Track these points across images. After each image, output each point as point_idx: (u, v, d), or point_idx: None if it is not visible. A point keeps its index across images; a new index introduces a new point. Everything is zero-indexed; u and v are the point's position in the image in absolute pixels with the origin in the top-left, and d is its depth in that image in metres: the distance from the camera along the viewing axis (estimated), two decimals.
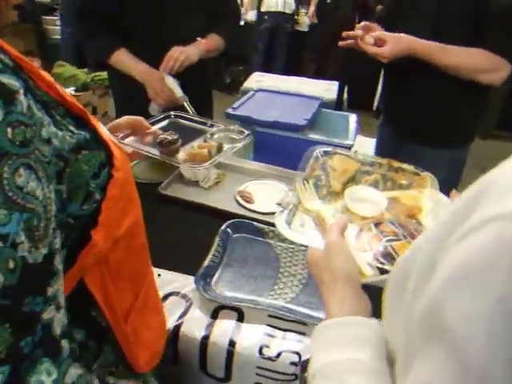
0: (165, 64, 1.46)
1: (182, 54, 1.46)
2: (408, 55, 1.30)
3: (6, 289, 0.38)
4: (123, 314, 0.60)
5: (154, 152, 1.24)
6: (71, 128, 0.48)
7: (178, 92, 1.49)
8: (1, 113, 0.38)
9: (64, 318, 0.46)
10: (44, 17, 3.94)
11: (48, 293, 0.43)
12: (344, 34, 1.34)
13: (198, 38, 1.55)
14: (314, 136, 1.76)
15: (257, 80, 3.52)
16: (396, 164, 0.95)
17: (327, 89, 3.36)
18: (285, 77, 3.62)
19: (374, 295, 0.56)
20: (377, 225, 0.73)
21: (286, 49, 4.91)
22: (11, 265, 0.39)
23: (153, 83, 1.50)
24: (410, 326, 0.36)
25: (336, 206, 0.83)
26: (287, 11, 4.72)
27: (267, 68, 4.41)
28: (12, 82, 0.40)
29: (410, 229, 0.71)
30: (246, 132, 1.38)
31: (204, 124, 1.45)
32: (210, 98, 1.87)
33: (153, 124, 1.29)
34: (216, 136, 1.38)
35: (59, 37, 3.84)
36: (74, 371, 0.47)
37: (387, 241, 0.69)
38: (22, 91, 0.41)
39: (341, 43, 1.34)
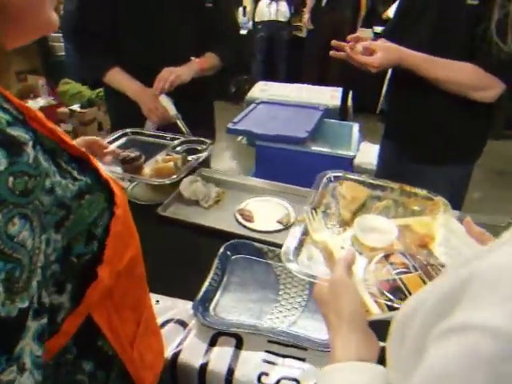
0: (155, 85, 1.48)
1: (172, 75, 1.47)
2: (397, 65, 1.28)
3: None
4: (129, 341, 0.62)
5: (118, 170, 1.26)
6: (75, 174, 0.49)
7: (172, 110, 1.51)
8: (5, 162, 0.39)
9: (29, 382, 0.42)
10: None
11: (14, 352, 0.39)
12: (333, 43, 1.30)
13: (192, 58, 1.56)
14: (316, 148, 1.75)
15: (261, 89, 3.53)
16: (408, 188, 0.93)
17: (331, 95, 3.36)
18: (289, 85, 3.62)
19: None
20: (386, 256, 0.71)
21: (285, 57, 4.87)
22: None
23: (146, 101, 1.52)
24: None
25: (345, 236, 0.81)
26: (281, 19, 4.68)
27: (269, 77, 4.40)
28: (22, 134, 0.41)
29: (421, 260, 0.69)
30: (208, 141, 1.42)
31: (163, 138, 1.49)
32: (211, 110, 1.87)
33: (110, 143, 1.32)
34: (178, 148, 1.40)
35: (64, 53, 3.89)
36: None
37: (397, 273, 0.67)
38: (30, 143, 0.42)
39: (332, 53, 1.30)
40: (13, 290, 0.39)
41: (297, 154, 1.72)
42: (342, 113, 3.15)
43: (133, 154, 1.27)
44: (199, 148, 1.41)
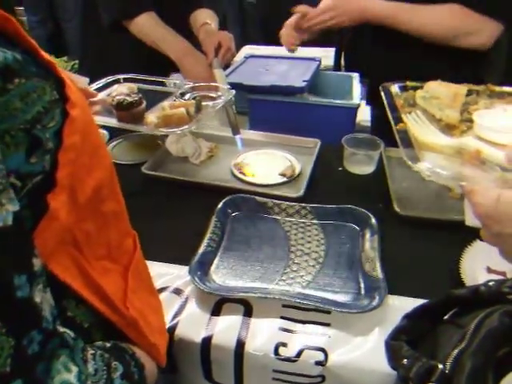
0: (211, 51, 1.15)
1: (233, 43, 1.19)
2: (364, 21, 1.11)
3: None
4: (118, 298, 0.48)
5: (110, 120, 1.01)
6: None
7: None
8: None
9: (51, 297, 0.36)
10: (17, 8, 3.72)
11: (35, 267, 0.33)
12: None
13: (208, 21, 1.28)
14: (316, 99, 1.58)
15: (247, 53, 3.34)
16: (497, 89, 0.80)
17: (324, 56, 3.17)
18: (278, 47, 3.43)
19: None
20: None
21: (254, 20, 4.55)
22: None
23: (196, 69, 1.17)
24: None
25: (468, 137, 0.65)
26: None
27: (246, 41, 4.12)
28: None
29: None
30: (226, 87, 1.14)
31: (166, 85, 1.19)
32: None
33: (99, 91, 1.07)
34: (187, 96, 1.13)
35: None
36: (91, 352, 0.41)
37: None
38: None
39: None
40: None
41: (295, 107, 1.55)
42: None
43: (130, 98, 1.00)
44: (214, 95, 1.13)
